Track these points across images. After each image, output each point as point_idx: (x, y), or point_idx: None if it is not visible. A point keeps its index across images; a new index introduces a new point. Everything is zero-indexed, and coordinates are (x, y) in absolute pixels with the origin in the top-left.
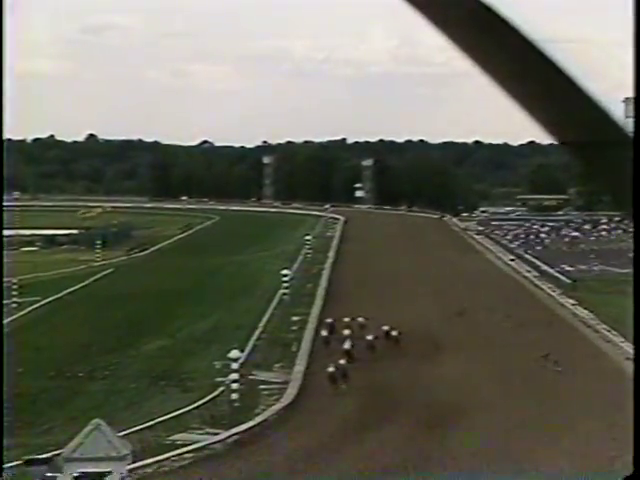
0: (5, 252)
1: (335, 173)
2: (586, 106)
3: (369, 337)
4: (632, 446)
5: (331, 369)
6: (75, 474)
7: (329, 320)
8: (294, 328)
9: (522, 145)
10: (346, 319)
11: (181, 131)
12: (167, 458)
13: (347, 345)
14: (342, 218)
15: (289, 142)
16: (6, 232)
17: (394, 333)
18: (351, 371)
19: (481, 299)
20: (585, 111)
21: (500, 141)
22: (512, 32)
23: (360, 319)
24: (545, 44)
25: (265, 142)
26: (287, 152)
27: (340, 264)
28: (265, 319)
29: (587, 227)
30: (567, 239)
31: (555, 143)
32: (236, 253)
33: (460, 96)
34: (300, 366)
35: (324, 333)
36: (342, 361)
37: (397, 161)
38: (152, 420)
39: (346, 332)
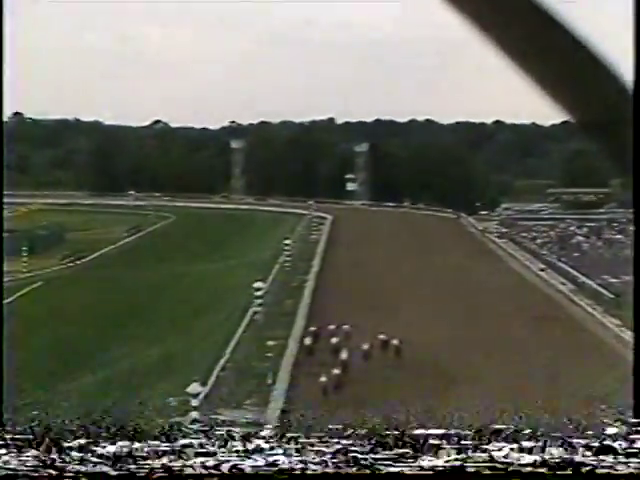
0: None
1: (321, 161)
2: (609, 83)
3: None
4: None
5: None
6: None
7: (313, 329)
8: (269, 355)
9: (554, 126)
10: (331, 326)
11: (128, 109)
12: None
13: (337, 370)
14: (330, 217)
15: (263, 123)
16: None
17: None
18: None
19: (505, 323)
20: (607, 89)
21: (527, 121)
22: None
23: (346, 327)
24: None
25: (233, 123)
26: (261, 135)
27: (327, 275)
28: (233, 344)
29: (633, 228)
30: (609, 243)
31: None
32: (197, 262)
33: (477, 66)
34: (277, 402)
35: (307, 342)
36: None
37: (399, 146)
38: None
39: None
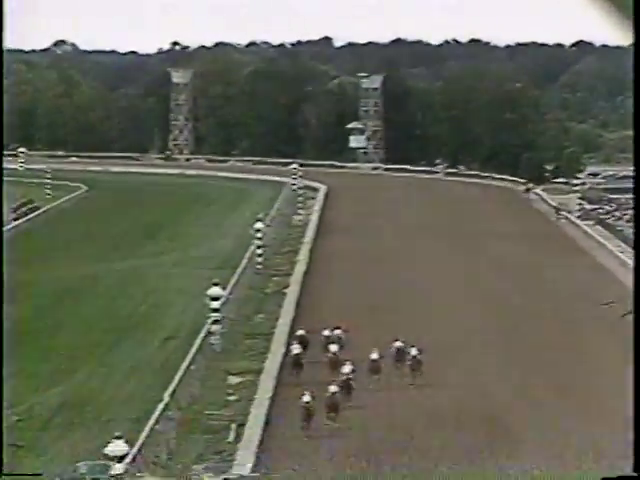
0: None
1: (310, 103)
2: None
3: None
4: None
5: None
6: None
7: (301, 332)
8: (232, 398)
9: None
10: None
11: (19, 26)
12: None
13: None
14: (323, 188)
15: (220, 45)
16: None
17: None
18: None
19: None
20: None
21: (622, 42)
22: None
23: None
24: None
25: (176, 45)
26: (217, 64)
27: (318, 276)
28: (176, 380)
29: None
30: None
31: None
32: (120, 256)
33: None
34: (242, 469)
35: (296, 350)
36: None
37: (428, 80)
38: None
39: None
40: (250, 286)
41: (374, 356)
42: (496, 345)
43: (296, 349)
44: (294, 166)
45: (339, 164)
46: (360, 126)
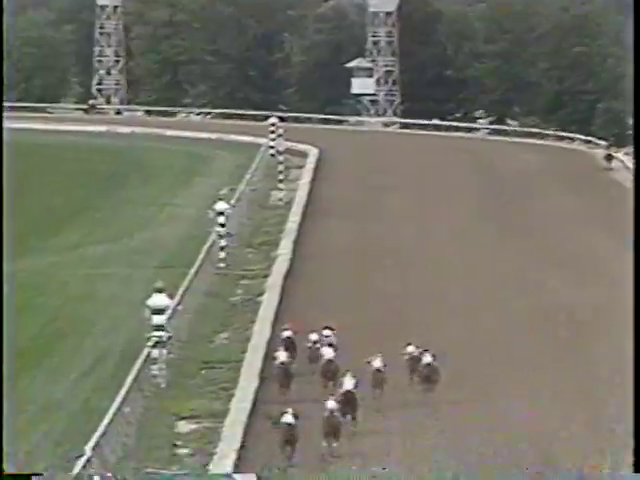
0: None
1: (294, 32)
2: None
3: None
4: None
5: None
6: None
7: (287, 334)
8: (181, 452)
9: None
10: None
11: None
12: None
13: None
14: (313, 152)
15: None
16: None
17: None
18: None
19: None
20: None
21: None
22: None
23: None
24: None
25: None
26: None
27: (305, 279)
28: (100, 430)
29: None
30: None
31: None
32: (23, 251)
33: None
34: None
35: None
36: None
37: (463, 0)
38: None
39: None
40: (209, 293)
41: (377, 364)
42: None
43: (282, 356)
44: (272, 121)
45: (336, 118)
46: (367, 65)
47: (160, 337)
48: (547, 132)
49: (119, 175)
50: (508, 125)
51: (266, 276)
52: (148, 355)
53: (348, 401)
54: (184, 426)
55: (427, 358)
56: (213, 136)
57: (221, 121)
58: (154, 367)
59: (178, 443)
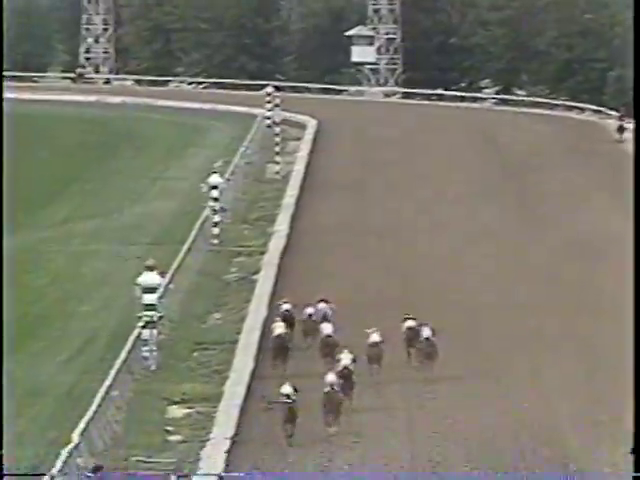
0: None
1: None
2: None
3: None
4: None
5: None
6: None
7: (285, 307)
8: (173, 439)
9: None
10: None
11: None
12: None
13: None
14: (312, 123)
15: None
16: None
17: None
18: None
19: None
20: None
21: None
22: None
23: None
24: None
25: None
26: None
27: (303, 255)
28: (89, 414)
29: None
30: None
31: None
32: (9, 227)
33: None
34: None
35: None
36: None
37: None
38: None
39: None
40: (202, 271)
41: (374, 338)
42: None
43: (280, 328)
44: (268, 90)
45: (336, 88)
46: (368, 32)
47: (151, 317)
48: (556, 102)
49: (108, 147)
50: (516, 95)
51: (262, 253)
52: (138, 336)
53: (345, 378)
54: (176, 411)
55: (426, 332)
56: (206, 107)
57: (214, 91)
58: (144, 349)
59: (169, 429)
